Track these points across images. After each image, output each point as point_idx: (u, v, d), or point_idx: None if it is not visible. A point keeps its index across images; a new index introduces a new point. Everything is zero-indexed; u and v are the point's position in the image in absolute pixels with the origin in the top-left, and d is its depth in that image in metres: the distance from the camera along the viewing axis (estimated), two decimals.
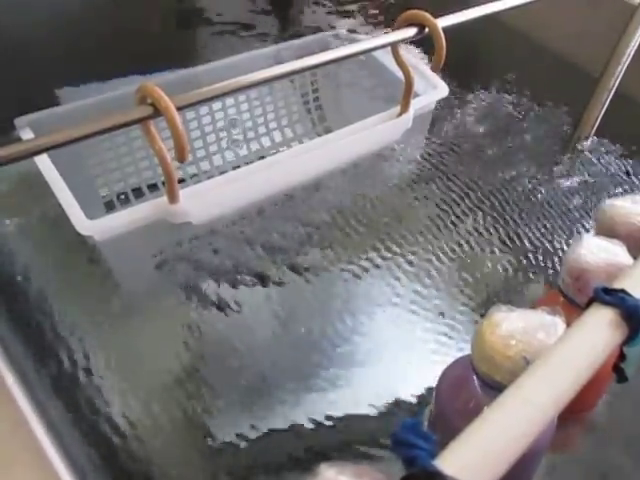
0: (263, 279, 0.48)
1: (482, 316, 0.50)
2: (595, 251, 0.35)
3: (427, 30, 0.46)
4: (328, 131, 0.67)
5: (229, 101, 0.61)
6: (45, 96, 0.62)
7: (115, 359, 0.44)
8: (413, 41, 0.46)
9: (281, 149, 0.65)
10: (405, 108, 0.51)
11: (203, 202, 0.44)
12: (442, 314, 0.48)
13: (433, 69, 0.47)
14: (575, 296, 0.36)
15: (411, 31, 0.46)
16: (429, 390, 0.44)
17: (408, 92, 0.50)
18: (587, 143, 0.60)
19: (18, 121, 0.49)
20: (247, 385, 0.44)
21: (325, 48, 0.63)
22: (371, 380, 0.45)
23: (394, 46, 0.48)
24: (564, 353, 0.22)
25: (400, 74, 0.56)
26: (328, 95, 0.67)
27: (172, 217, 0.43)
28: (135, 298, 0.48)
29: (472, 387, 0.33)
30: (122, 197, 0.57)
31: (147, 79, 0.67)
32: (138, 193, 0.58)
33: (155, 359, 0.45)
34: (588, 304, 0.25)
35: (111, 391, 0.43)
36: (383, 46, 0.46)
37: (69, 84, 0.65)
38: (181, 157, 0.38)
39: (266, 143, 0.65)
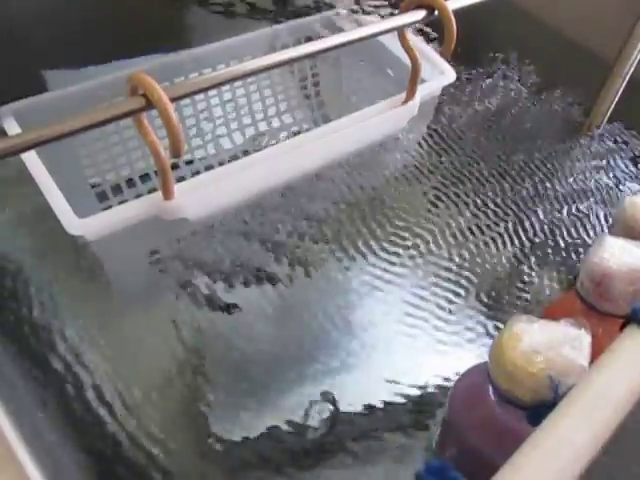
0: (263, 275, 0.46)
1: (486, 306, 0.49)
2: (618, 254, 0.33)
3: (436, 13, 0.43)
4: (327, 117, 0.65)
5: (225, 85, 0.58)
6: (30, 81, 0.59)
7: (111, 360, 0.42)
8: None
9: (280, 135, 0.63)
10: (411, 95, 0.49)
11: (199, 197, 0.42)
12: (447, 308, 0.47)
13: (443, 54, 0.44)
14: (596, 302, 0.34)
15: (420, 14, 0.43)
16: (437, 386, 0.43)
17: (414, 78, 0.48)
18: (599, 131, 0.58)
19: (1, 110, 0.46)
20: (248, 381, 0.42)
21: (326, 30, 0.61)
22: (375, 374, 0.44)
23: (400, 29, 0.45)
24: (601, 384, 0.20)
25: (403, 56, 0.54)
26: (327, 80, 0.64)
27: (167, 214, 0.41)
28: (129, 298, 0.46)
29: (488, 400, 0.31)
30: (114, 187, 0.55)
31: (136, 62, 0.64)
32: (131, 183, 0.56)
33: (152, 359, 0.44)
34: (623, 325, 0.23)
35: (106, 394, 0.41)
36: (390, 30, 0.43)
37: (54, 67, 0.61)
38: (176, 153, 0.36)
39: (263, 129, 0.62)
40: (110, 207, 0.53)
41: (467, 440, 0.32)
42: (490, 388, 0.30)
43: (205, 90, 0.37)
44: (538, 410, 0.28)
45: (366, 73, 0.61)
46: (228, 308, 0.45)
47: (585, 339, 0.28)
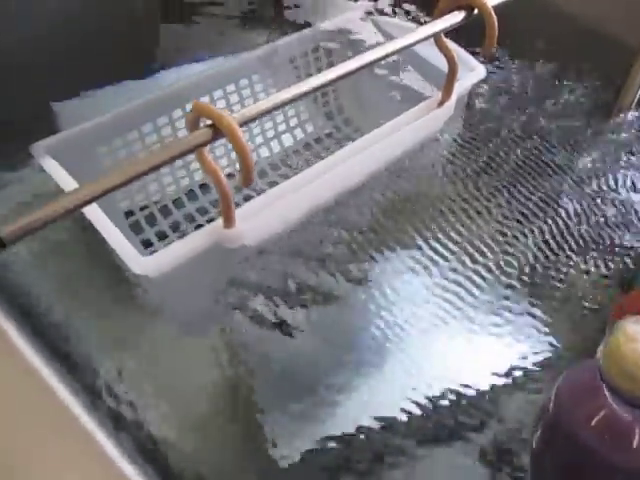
0: (322, 294, 0.46)
1: (535, 306, 0.48)
2: None
3: (476, 11, 0.43)
4: (348, 123, 0.64)
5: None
6: (38, 112, 0.57)
7: (175, 388, 0.42)
8: None
9: (303, 146, 0.62)
10: (447, 96, 0.48)
11: (257, 222, 0.41)
12: (499, 315, 0.47)
13: (484, 52, 0.44)
14: None
15: (459, 16, 0.43)
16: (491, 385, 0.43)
17: (451, 79, 0.47)
18: (628, 117, 0.58)
19: (34, 149, 0.44)
20: (314, 403, 0.42)
21: (344, 36, 0.60)
22: (430, 379, 0.43)
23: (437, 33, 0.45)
24: None
25: (424, 52, 0.54)
26: (345, 84, 0.63)
27: (229, 242, 0.40)
28: (191, 327, 0.45)
29: (602, 399, 0.31)
30: (148, 216, 0.53)
31: (143, 84, 0.62)
32: (165, 209, 0.54)
33: (214, 386, 0.43)
34: None
35: (169, 422, 0.40)
36: (429, 37, 0.43)
37: (58, 96, 0.59)
38: (248, 182, 0.35)
39: (288, 142, 0.61)
40: (145, 236, 0.52)
41: (579, 440, 0.31)
42: (604, 388, 0.30)
43: (267, 112, 0.36)
44: None
45: (384, 74, 0.60)
46: (289, 329, 0.45)
47: None
